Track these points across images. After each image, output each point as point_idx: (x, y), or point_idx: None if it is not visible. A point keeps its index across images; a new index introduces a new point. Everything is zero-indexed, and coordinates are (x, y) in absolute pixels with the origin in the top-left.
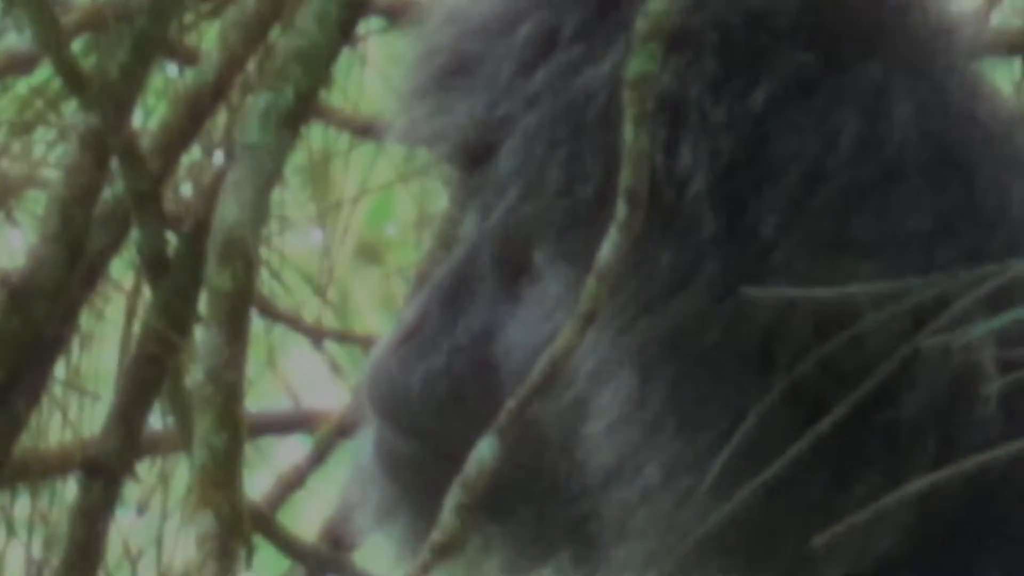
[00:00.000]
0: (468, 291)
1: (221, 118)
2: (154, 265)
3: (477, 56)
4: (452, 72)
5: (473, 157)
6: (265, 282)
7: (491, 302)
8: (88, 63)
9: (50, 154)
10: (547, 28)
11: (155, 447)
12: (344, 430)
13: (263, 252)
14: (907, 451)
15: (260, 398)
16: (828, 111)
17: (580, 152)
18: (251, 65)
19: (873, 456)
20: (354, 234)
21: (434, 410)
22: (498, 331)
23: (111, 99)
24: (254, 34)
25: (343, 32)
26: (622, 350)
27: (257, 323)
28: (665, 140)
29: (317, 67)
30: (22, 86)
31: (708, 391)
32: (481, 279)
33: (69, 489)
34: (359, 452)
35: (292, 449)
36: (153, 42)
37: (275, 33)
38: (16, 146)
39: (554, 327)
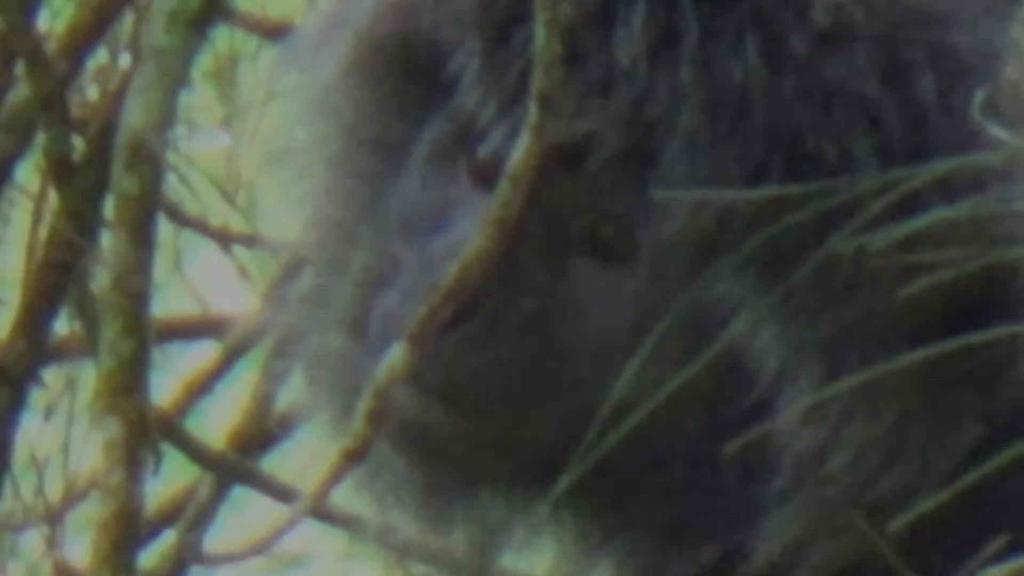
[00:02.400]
0: (516, 270)
1: (128, 20)
2: (60, 169)
3: (590, 46)
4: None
5: (621, 161)
6: (172, 186)
7: (548, 282)
8: None
9: None
10: (664, 17)
11: (61, 352)
12: (251, 335)
13: (170, 156)
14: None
15: (167, 303)
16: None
17: (749, 148)
18: None
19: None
20: (262, 138)
21: (502, 393)
22: (572, 312)
23: (16, 1)
24: None
25: None
26: (807, 347)
27: (164, 227)
28: (836, 132)
29: None
30: None
31: (887, 376)
32: (527, 257)
33: None
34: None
35: (199, 354)
36: None
37: None
38: None
39: (662, 310)
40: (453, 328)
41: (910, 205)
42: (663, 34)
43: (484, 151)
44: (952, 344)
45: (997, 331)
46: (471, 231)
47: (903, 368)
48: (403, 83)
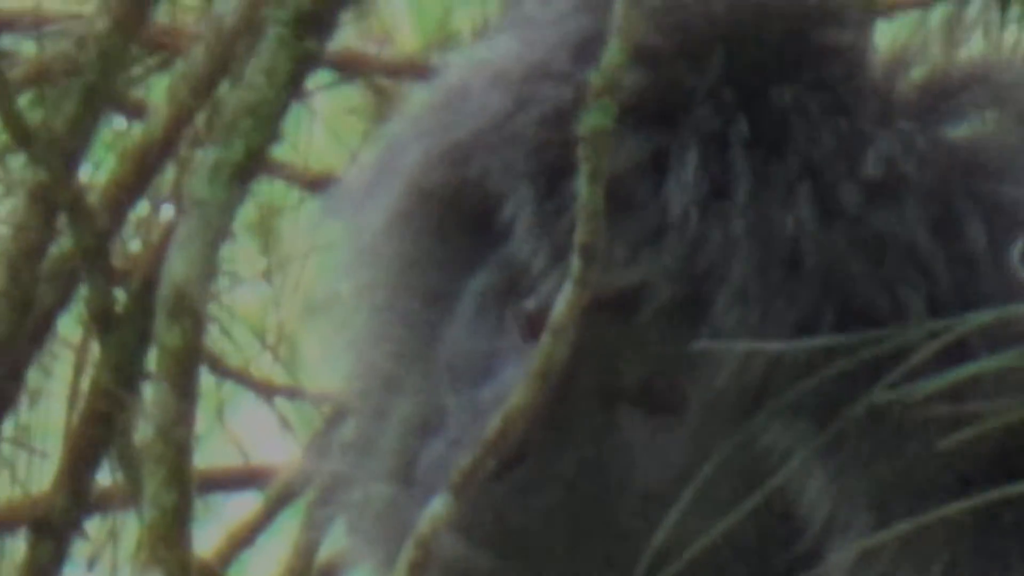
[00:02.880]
0: (565, 419)
1: (169, 173)
2: (102, 321)
3: (642, 195)
4: (615, 214)
5: (671, 311)
6: (214, 338)
7: (597, 431)
8: (35, 117)
9: None
10: (716, 167)
11: (104, 504)
12: (294, 488)
13: (212, 308)
14: None
15: (210, 454)
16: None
17: (800, 300)
18: (200, 119)
19: None
20: (304, 289)
21: (550, 541)
22: (620, 462)
23: (58, 153)
24: (203, 88)
25: (292, 86)
26: (857, 496)
27: (207, 379)
28: (887, 284)
29: (266, 121)
30: None
31: (936, 524)
32: (576, 406)
33: (18, 547)
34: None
35: (242, 506)
36: (101, 96)
37: (224, 87)
38: None
39: (724, 466)
40: (502, 476)
41: (958, 354)
42: (715, 184)
43: (533, 302)
44: (1000, 493)
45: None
46: (518, 382)
47: (951, 516)
48: (453, 232)
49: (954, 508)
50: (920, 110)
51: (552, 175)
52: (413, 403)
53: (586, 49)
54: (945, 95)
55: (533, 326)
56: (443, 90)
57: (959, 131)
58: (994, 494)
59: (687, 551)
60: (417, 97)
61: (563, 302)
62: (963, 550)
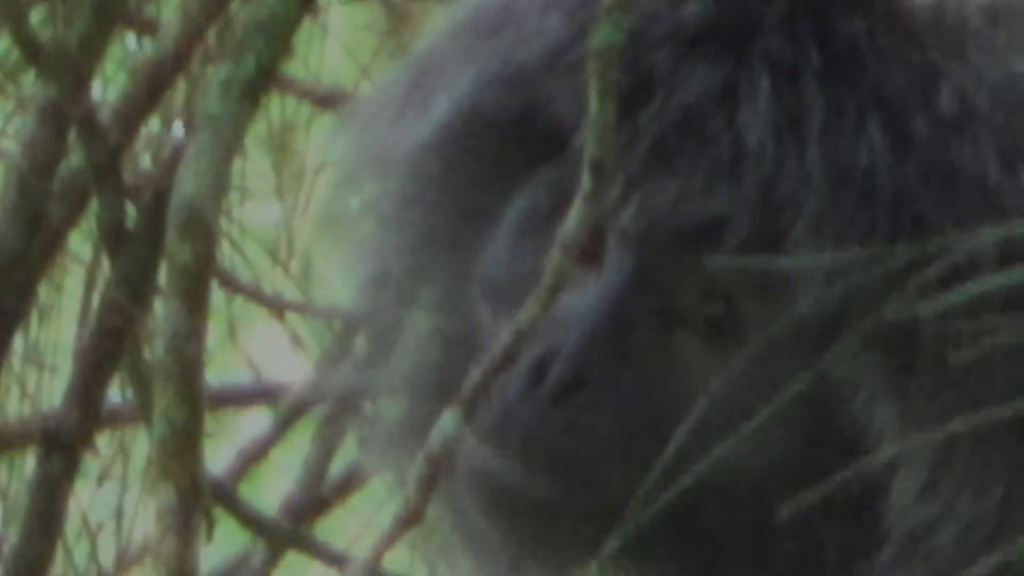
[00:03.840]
0: (624, 344)
1: (181, 89)
2: (113, 238)
3: (714, 124)
4: (686, 142)
5: (746, 245)
6: (226, 254)
7: (656, 357)
8: (46, 34)
9: (8, 126)
10: (789, 97)
11: (115, 420)
12: (306, 404)
13: (224, 224)
14: None
15: (221, 371)
16: None
17: (874, 230)
18: (211, 36)
19: None
20: (316, 205)
21: (604, 465)
22: (676, 385)
23: (69, 70)
24: (214, 4)
25: (304, 2)
26: (924, 427)
27: (218, 296)
28: (958, 219)
29: (278, 37)
30: None
31: (995, 455)
32: (635, 330)
33: (28, 463)
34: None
35: (253, 422)
36: (112, 12)
37: (235, 3)
38: None
39: (771, 389)
40: (558, 401)
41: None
42: (788, 114)
43: (623, 229)
44: None
45: None
46: (580, 304)
47: (1009, 449)
48: (506, 154)
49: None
50: (998, 44)
51: (621, 103)
52: (433, 318)
53: None
54: (1014, 25)
55: (585, 255)
56: (486, 11)
57: None
58: None
59: (744, 481)
60: (448, 16)
61: (573, 218)
62: (1018, 483)
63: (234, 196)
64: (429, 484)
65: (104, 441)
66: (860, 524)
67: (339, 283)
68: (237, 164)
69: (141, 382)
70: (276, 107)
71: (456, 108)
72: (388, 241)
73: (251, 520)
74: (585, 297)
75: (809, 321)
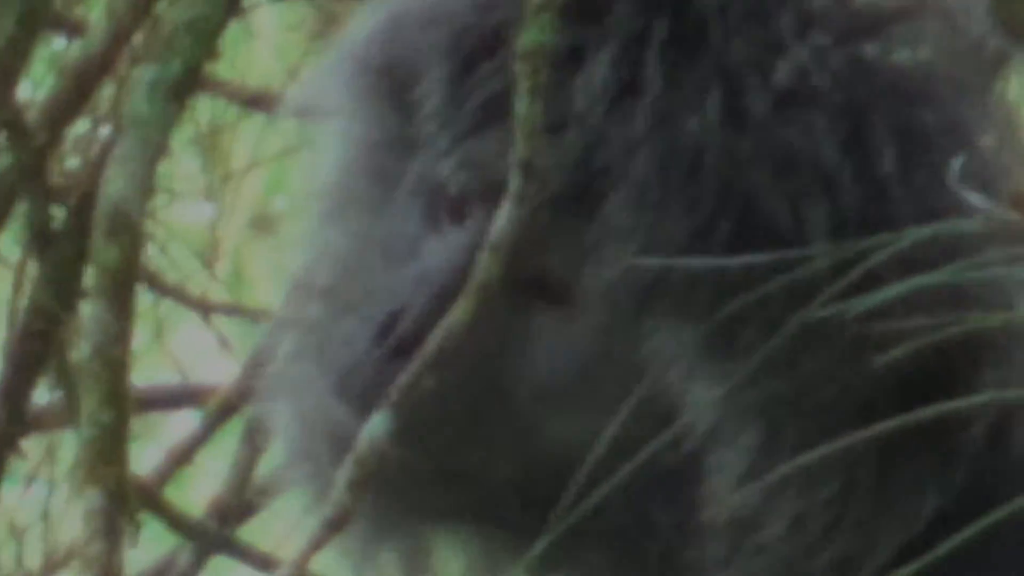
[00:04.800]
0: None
1: (108, 90)
2: (40, 239)
3: (553, 89)
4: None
5: (562, 202)
6: (153, 256)
7: (503, 321)
8: None
9: None
10: (628, 64)
11: (41, 422)
12: (233, 405)
13: (150, 225)
14: (956, 438)
15: (148, 372)
16: (944, 166)
17: (698, 205)
18: (138, 37)
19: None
20: (245, 207)
21: (446, 426)
22: (518, 351)
23: None
24: (141, 5)
25: (230, 2)
26: (745, 409)
27: (145, 297)
28: (790, 196)
29: (205, 38)
30: None
31: (826, 444)
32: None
33: None
34: (291, 440)
35: (180, 424)
36: (39, 13)
37: (162, 4)
38: None
39: (616, 363)
40: (399, 355)
41: (873, 276)
42: (626, 83)
43: (453, 186)
44: (908, 419)
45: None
46: (434, 264)
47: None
48: (395, 112)
49: (853, 438)
50: (846, 28)
51: (468, 58)
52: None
53: None
54: (877, 17)
55: (452, 211)
56: None
57: (884, 53)
58: (903, 419)
59: (580, 452)
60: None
61: (503, 219)
62: (862, 475)
63: (161, 197)
64: (358, 487)
65: (31, 443)
66: (688, 510)
67: (267, 283)
68: (164, 165)
69: (68, 384)
70: (203, 108)
71: (356, 65)
72: (329, 213)
73: (178, 522)
74: (443, 255)
75: (633, 292)
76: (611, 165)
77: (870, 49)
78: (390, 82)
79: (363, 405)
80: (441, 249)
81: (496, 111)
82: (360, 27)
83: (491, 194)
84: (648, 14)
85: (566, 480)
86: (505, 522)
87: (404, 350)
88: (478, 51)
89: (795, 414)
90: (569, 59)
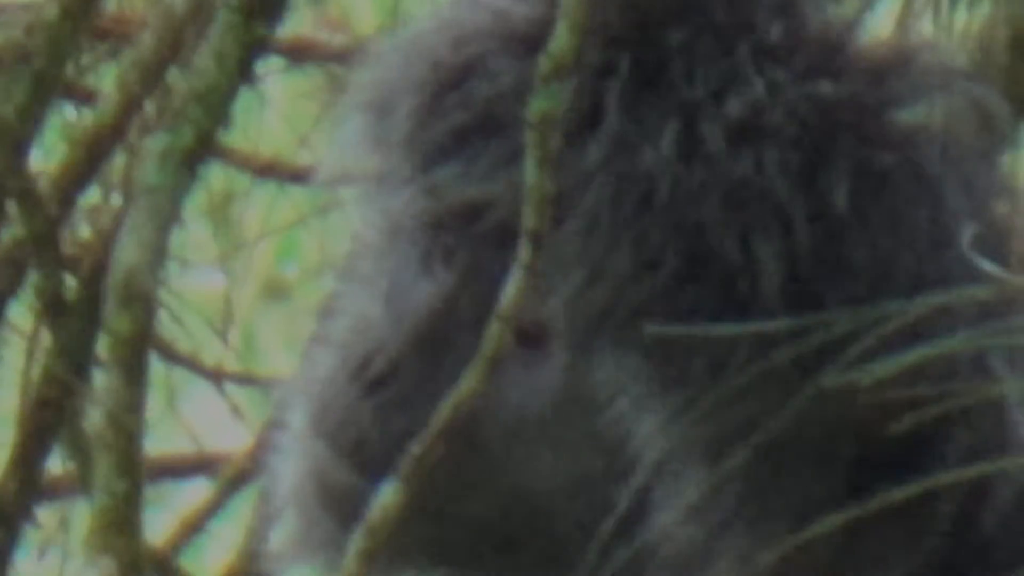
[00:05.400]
0: (446, 343)
1: (119, 159)
2: (53, 308)
3: (510, 118)
4: (481, 133)
5: (510, 231)
6: (165, 324)
7: (470, 353)
8: None
9: None
10: (589, 97)
11: (55, 491)
12: (246, 473)
13: (163, 294)
14: (926, 511)
15: (161, 441)
16: (904, 209)
17: (648, 235)
18: (149, 105)
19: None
20: (257, 275)
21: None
22: (492, 391)
23: (8, 140)
24: (152, 74)
25: (242, 71)
26: (692, 443)
27: (157, 365)
28: (740, 231)
29: (216, 107)
30: None
31: (777, 485)
32: (460, 335)
33: None
34: (284, 483)
35: (193, 492)
36: (51, 82)
37: (173, 73)
38: None
39: (578, 402)
40: (370, 393)
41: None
42: (584, 114)
43: (409, 214)
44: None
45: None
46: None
47: (797, 481)
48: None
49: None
50: (805, 64)
51: (437, 90)
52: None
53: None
54: (839, 56)
55: (444, 253)
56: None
57: (841, 91)
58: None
59: (544, 488)
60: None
61: (511, 287)
62: (812, 517)
63: (173, 266)
64: (368, 556)
65: (44, 512)
66: (637, 540)
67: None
68: (176, 233)
69: (81, 453)
70: (215, 176)
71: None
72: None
73: None
74: (425, 296)
75: (587, 324)
76: (565, 195)
77: (828, 86)
78: (377, 121)
79: (335, 442)
80: (425, 290)
81: (460, 141)
82: (362, 72)
83: (450, 222)
84: (612, 49)
85: (536, 518)
86: (478, 560)
87: (375, 390)
88: (446, 84)
89: (742, 453)
90: (530, 90)
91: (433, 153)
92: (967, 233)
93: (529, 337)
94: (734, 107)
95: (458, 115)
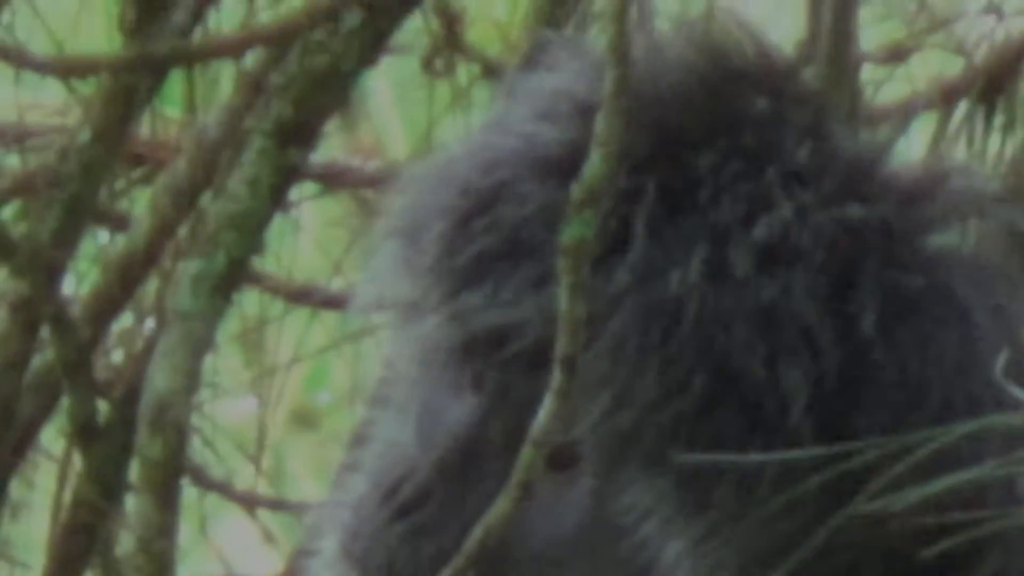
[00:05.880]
0: (474, 471)
1: (152, 284)
2: (85, 433)
3: (538, 244)
4: (508, 257)
5: (539, 355)
6: (197, 449)
7: (502, 478)
8: (18, 229)
9: None
10: (617, 221)
11: None
12: None
13: (195, 419)
14: None
15: (192, 566)
16: (932, 333)
17: (675, 359)
18: (182, 231)
19: None
20: (288, 401)
21: None
22: (522, 514)
23: (41, 266)
24: (185, 199)
25: (275, 197)
26: (719, 569)
27: (189, 491)
28: (767, 355)
29: (249, 232)
30: None
31: None
32: (490, 460)
33: None
34: None
35: None
36: (83, 208)
37: (206, 199)
38: None
39: (606, 526)
40: (399, 518)
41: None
42: (612, 238)
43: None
44: None
45: None
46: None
47: None
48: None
49: None
50: (833, 187)
51: (464, 215)
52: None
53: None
54: (869, 178)
55: (474, 378)
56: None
57: (870, 214)
58: None
59: None
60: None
61: (544, 413)
62: None
63: (205, 392)
64: None
65: None
66: None
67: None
68: (208, 359)
69: None
70: (249, 302)
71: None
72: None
73: None
74: (455, 421)
75: (607, 450)
76: (592, 318)
77: (856, 209)
78: (407, 247)
79: (365, 568)
80: (456, 416)
81: (486, 266)
82: (393, 198)
83: (479, 348)
84: (639, 172)
85: None
86: None
87: (403, 515)
88: (474, 209)
89: (771, 574)
90: (557, 216)
91: (460, 279)
92: (999, 359)
93: (558, 461)
94: (762, 231)
95: (485, 240)
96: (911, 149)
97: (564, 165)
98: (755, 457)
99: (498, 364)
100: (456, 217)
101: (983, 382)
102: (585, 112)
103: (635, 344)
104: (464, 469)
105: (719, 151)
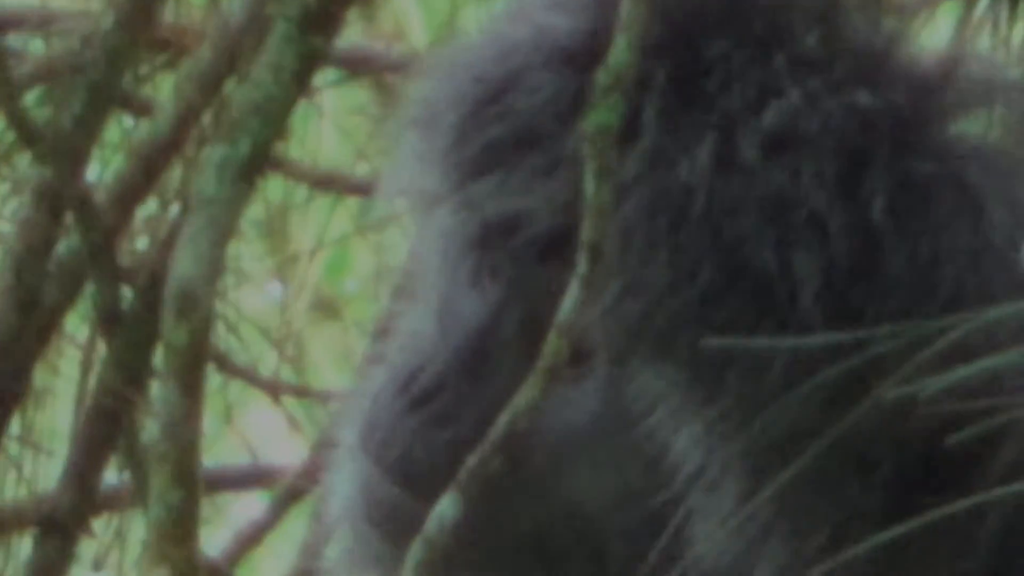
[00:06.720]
0: (490, 360)
1: (176, 171)
2: (109, 320)
3: (549, 133)
4: (518, 146)
5: (551, 244)
6: (221, 336)
7: (518, 375)
8: (41, 116)
9: (3, 208)
10: (628, 111)
11: (111, 503)
12: (302, 487)
13: (219, 306)
14: (971, 527)
15: (217, 454)
16: (945, 221)
17: (684, 247)
18: (206, 117)
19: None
20: (312, 288)
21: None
22: (531, 411)
23: (65, 152)
24: (209, 86)
25: (299, 84)
26: (729, 455)
27: (214, 378)
28: (777, 242)
29: (273, 119)
30: None
31: (816, 497)
32: (505, 350)
33: (24, 546)
34: (336, 500)
35: (249, 505)
36: (107, 94)
37: (230, 85)
38: None
39: (620, 416)
40: (414, 409)
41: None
42: (622, 128)
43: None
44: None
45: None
46: (460, 321)
47: (836, 488)
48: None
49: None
50: (843, 74)
51: (476, 104)
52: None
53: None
54: (881, 65)
55: (492, 269)
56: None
57: (880, 101)
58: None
59: (592, 506)
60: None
61: (569, 300)
62: (854, 531)
63: (230, 278)
64: (426, 568)
65: (100, 524)
66: (675, 549)
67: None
68: (232, 246)
69: (137, 465)
70: (272, 189)
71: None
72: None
73: None
74: (472, 312)
75: (622, 338)
76: None
77: (866, 96)
78: (423, 136)
79: (381, 458)
80: (474, 306)
81: (496, 154)
82: (413, 86)
83: (492, 236)
84: (650, 61)
85: (581, 531)
86: (524, 574)
87: (419, 405)
88: (485, 98)
89: (783, 461)
90: (570, 104)
91: (471, 167)
92: (1014, 248)
93: (573, 352)
94: (770, 118)
95: (496, 128)
96: (936, 37)
97: (577, 55)
98: (766, 342)
99: (510, 254)
100: (468, 106)
101: (995, 269)
102: (600, 2)
103: (644, 232)
104: (480, 359)
105: (728, 38)
